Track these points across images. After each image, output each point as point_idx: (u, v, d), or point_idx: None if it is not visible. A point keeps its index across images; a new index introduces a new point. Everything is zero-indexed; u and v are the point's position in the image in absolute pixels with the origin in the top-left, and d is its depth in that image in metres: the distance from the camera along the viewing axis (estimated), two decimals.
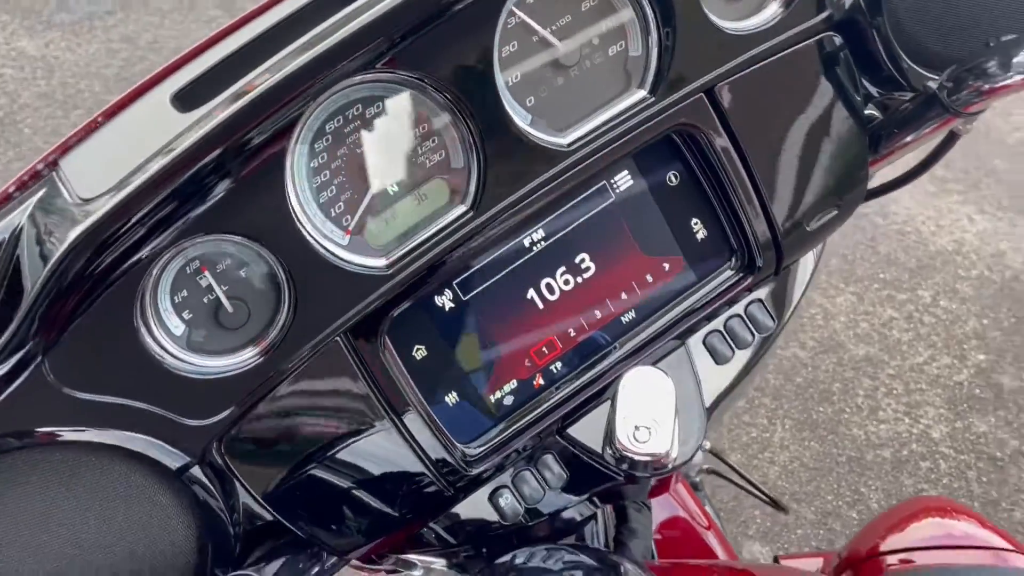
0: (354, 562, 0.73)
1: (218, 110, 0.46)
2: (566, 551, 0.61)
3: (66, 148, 0.50)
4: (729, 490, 2.10)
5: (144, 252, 0.47)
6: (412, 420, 0.60)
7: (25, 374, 0.46)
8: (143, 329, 0.50)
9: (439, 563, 0.85)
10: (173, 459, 0.53)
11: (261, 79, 0.47)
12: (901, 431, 2.27)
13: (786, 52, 0.62)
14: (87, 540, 0.52)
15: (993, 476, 2.16)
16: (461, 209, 0.57)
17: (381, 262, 0.56)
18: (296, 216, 0.52)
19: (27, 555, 0.50)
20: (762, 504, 2.09)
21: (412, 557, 0.81)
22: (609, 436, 0.62)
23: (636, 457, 0.60)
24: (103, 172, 0.47)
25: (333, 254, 0.54)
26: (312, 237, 0.53)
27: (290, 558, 0.59)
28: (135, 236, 0.46)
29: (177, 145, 0.45)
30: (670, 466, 0.62)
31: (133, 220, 0.45)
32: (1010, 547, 0.89)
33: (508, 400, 0.65)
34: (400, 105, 0.55)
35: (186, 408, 0.52)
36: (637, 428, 0.61)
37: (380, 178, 0.56)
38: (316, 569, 0.61)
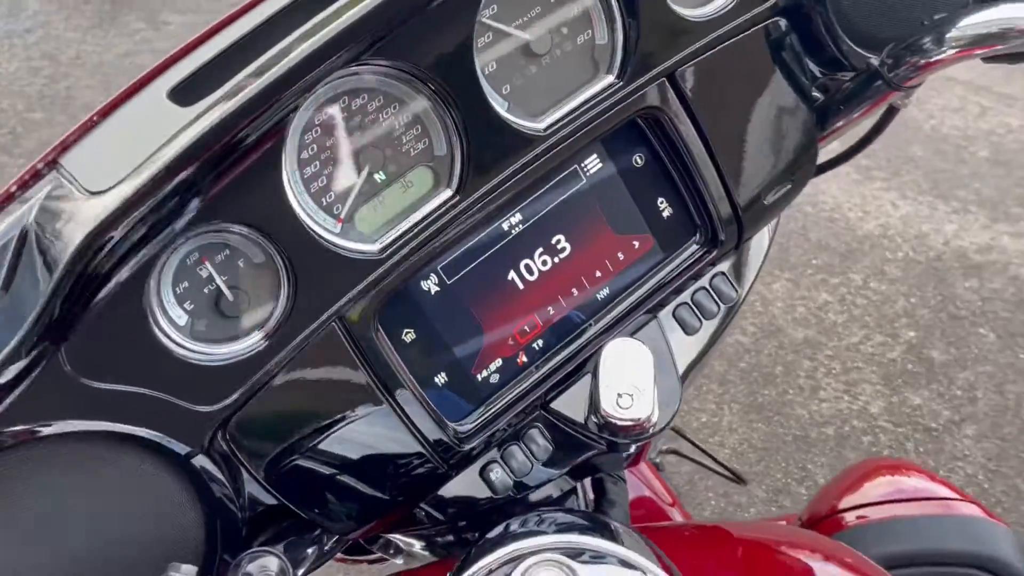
0: (339, 555, 0.75)
1: (220, 103, 0.48)
2: (559, 513, 0.64)
3: (65, 147, 0.51)
4: (683, 476, 2.16)
5: (153, 242, 0.48)
6: (407, 401, 0.62)
7: (42, 366, 0.47)
8: (152, 318, 0.51)
9: (418, 545, 0.87)
10: (181, 446, 0.54)
11: (263, 72, 0.48)
12: (842, 408, 2.36)
13: (738, 37, 0.67)
14: (101, 532, 0.52)
15: (930, 446, 2.26)
16: (447, 194, 0.60)
17: (374, 247, 0.58)
18: (292, 205, 0.54)
19: (43, 550, 0.50)
20: (716, 486, 2.16)
21: (397, 538, 0.82)
22: (593, 405, 0.65)
23: (620, 423, 0.64)
24: (110, 166, 0.48)
25: (329, 241, 0.56)
26: (308, 225, 0.55)
27: (294, 539, 0.61)
28: (146, 226, 0.47)
29: (185, 135, 0.47)
30: (651, 431, 0.65)
31: (145, 210, 0.46)
32: (956, 496, 0.95)
33: (494, 378, 0.68)
34: (384, 96, 0.58)
35: (194, 395, 0.53)
36: (620, 396, 0.64)
37: (368, 167, 0.58)
38: (318, 550, 0.63)
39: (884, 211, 3.05)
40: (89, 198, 0.47)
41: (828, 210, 3.00)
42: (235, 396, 0.54)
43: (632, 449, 0.73)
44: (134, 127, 0.52)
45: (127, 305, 0.49)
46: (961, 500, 0.94)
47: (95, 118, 0.52)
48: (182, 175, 0.47)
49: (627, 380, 0.65)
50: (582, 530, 0.59)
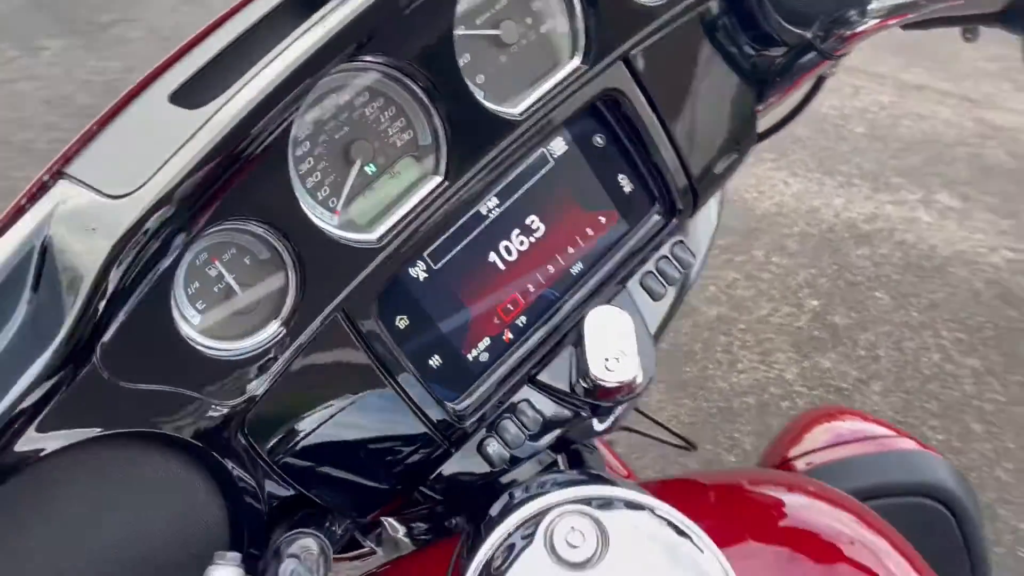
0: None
1: (232, 104, 0.50)
2: (556, 475, 0.67)
3: (68, 158, 0.51)
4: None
5: (176, 242, 0.49)
6: (409, 384, 0.64)
7: (80, 371, 0.47)
8: (177, 318, 0.52)
9: (402, 532, 0.89)
10: (207, 443, 0.55)
11: (271, 71, 0.50)
12: (759, 378, 2.49)
13: (682, 20, 0.72)
14: (132, 534, 0.53)
15: (843, 404, 2.41)
16: (436, 180, 0.63)
17: (372, 236, 0.61)
18: (299, 200, 0.56)
19: (79, 555, 0.51)
20: (654, 462, 2.24)
21: (390, 521, 0.84)
22: (581, 371, 0.69)
23: (609, 385, 0.68)
24: (125, 170, 0.48)
25: (331, 233, 0.58)
26: (312, 219, 0.57)
27: (315, 527, 0.62)
28: (171, 226, 0.48)
29: (204, 134, 0.48)
30: (637, 391, 0.70)
31: (173, 208, 0.47)
32: (892, 432, 1.04)
33: (483, 357, 0.71)
34: (370, 92, 0.60)
35: (218, 390, 0.54)
36: (607, 360, 0.69)
37: (359, 160, 0.60)
38: (332, 537, 0.65)
39: (778, 190, 3.22)
40: (114, 201, 0.48)
41: (727, 193, 3.15)
42: (255, 389, 0.56)
43: (619, 411, 0.77)
44: (140, 132, 0.53)
45: (155, 305, 0.50)
46: (897, 436, 1.03)
47: (94, 128, 0.52)
48: (205, 173, 0.48)
49: (611, 345, 0.69)
50: (582, 484, 0.62)
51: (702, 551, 0.57)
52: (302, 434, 0.60)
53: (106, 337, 0.47)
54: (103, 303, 0.46)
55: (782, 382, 2.47)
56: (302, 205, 0.56)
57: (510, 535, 0.57)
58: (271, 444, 0.59)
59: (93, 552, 0.52)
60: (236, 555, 0.51)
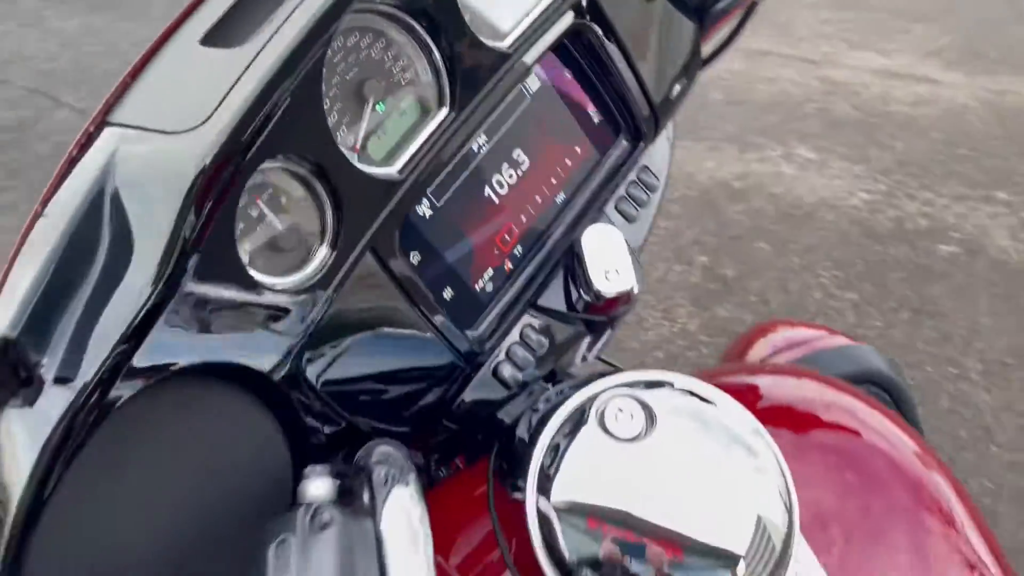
0: None
1: (277, 40, 0.51)
2: (570, 380, 0.72)
3: (109, 108, 0.51)
4: None
5: (237, 179, 0.50)
6: (433, 315, 0.68)
7: (167, 306, 0.47)
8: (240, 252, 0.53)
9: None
10: (271, 377, 0.56)
11: (308, 8, 0.52)
12: (665, 333, 2.61)
13: None
14: (212, 465, 0.53)
15: None
16: (444, 112, 0.66)
17: (393, 169, 0.63)
18: (332, 135, 0.58)
19: (167, 488, 0.51)
20: None
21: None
22: (584, 286, 0.74)
23: (611, 295, 0.74)
24: (180, 110, 0.49)
25: (361, 168, 0.61)
26: (346, 153, 0.59)
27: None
28: (237, 161, 0.49)
29: (254, 72, 0.49)
30: (633, 301, 0.76)
31: (239, 141, 0.48)
32: (824, 332, 1.14)
33: (489, 287, 0.75)
34: (373, 33, 0.63)
35: (279, 325, 0.55)
36: (607, 273, 0.75)
37: (371, 99, 0.63)
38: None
39: None
40: (180, 136, 0.49)
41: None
42: (309, 323, 0.58)
43: (613, 330, 0.83)
44: (180, 75, 0.53)
45: (224, 243, 0.51)
46: (830, 334, 1.13)
47: (128, 78, 0.53)
48: (266, 108, 0.49)
49: (608, 259, 0.75)
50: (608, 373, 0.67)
51: (739, 423, 0.63)
52: (346, 366, 0.63)
53: (186, 274, 0.48)
54: (191, 232, 0.47)
55: (686, 334, 2.61)
56: (336, 141, 0.58)
57: (566, 420, 0.62)
58: (322, 377, 0.61)
59: (180, 491, 0.52)
60: (325, 467, 0.53)
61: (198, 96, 0.50)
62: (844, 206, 3.13)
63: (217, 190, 0.48)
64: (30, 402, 0.44)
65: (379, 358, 0.65)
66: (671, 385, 0.63)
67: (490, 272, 0.75)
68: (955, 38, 4.13)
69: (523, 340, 0.77)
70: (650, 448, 0.61)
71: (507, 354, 0.76)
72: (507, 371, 0.75)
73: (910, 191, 3.20)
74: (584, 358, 0.87)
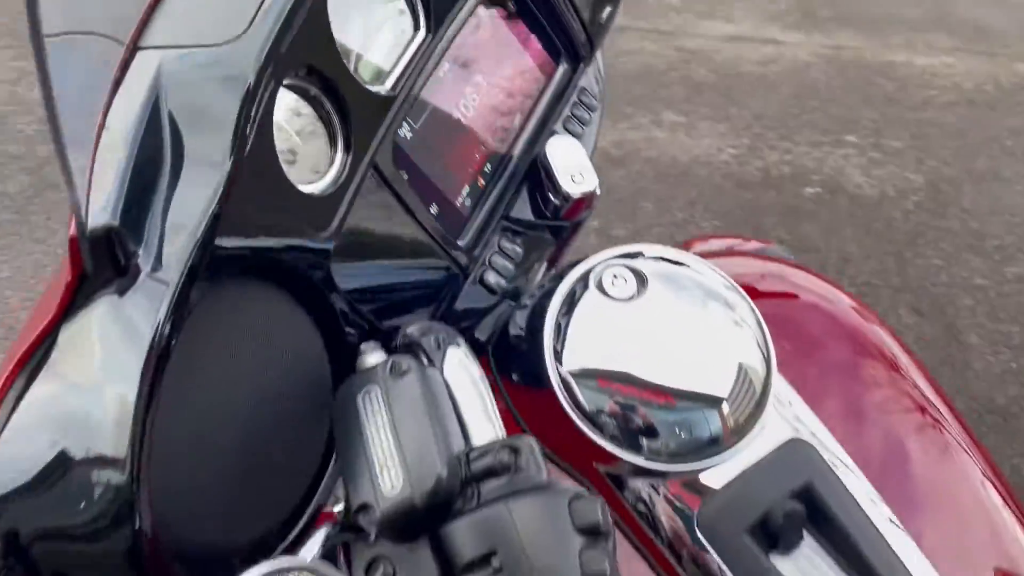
0: None
1: None
2: (545, 278, 0.80)
3: (139, 34, 0.54)
4: None
5: (272, 87, 0.54)
6: (429, 224, 0.74)
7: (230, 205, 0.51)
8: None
9: None
10: (313, 278, 0.61)
11: None
12: None
13: None
14: (270, 357, 0.58)
15: None
16: (422, 35, 0.72)
17: (385, 87, 0.69)
18: (339, 51, 0.63)
19: (239, 375, 0.55)
20: None
21: None
22: (553, 190, 0.82)
23: (579, 196, 0.82)
24: (215, 25, 0.53)
25: (364, 83, 0.66)
26: (350, 68, 0.64)
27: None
28: (271, 68, 0.53)
29: None
30: (594, 204, 0.85)
31: (276, 47, 0.52)
32: (739, 240, 1.27)
33: (468, 202, 0.81)
34: None
35: (316, 224, 0.60)
36: (572, 176, 0.83)
37: (356, 26, 0.68)
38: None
39: None
40: (222, 47, 0.52)
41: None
42: (336, 225, 0.62)
43: (576, 235, 0.91)
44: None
45: (265, 148, 0.55)
46: (744, 240, 1.26)
47: (148, 10, 0.56)
48: (297, 20, 0.54)
49: (572, 165, 0.83)
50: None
51: (714, 282, 0.73)
52: (363, 273, 0.68)
53: (241, 174, 0.52)
54: (246, 138, 0.51)
55: None
56: (342, 57, 0.63)
57: (567, 294, 0.70)
58: (345, 283, 0.66)
59: (250, 379, 0.57)
60: (377, 342, 0.58)
61: (227, 13, 0.54)
62: (715, 162, 3.34)
63: (263, 101, 0.53)
64: (129, 289, 0.47)
65: (389, 265, 0.71)
66: (658, 257, 0.72)
67: (467, 188, 0.81)
68: (791, 1, 4.46)
69: (501, 250, 0.84)
70: (643, 307, 0.69)
71: (489, 263, 0.83)
72: (492, 278, 0.82)
73: (770, 142, 3.45)
74: (551, 269, 0.95)
